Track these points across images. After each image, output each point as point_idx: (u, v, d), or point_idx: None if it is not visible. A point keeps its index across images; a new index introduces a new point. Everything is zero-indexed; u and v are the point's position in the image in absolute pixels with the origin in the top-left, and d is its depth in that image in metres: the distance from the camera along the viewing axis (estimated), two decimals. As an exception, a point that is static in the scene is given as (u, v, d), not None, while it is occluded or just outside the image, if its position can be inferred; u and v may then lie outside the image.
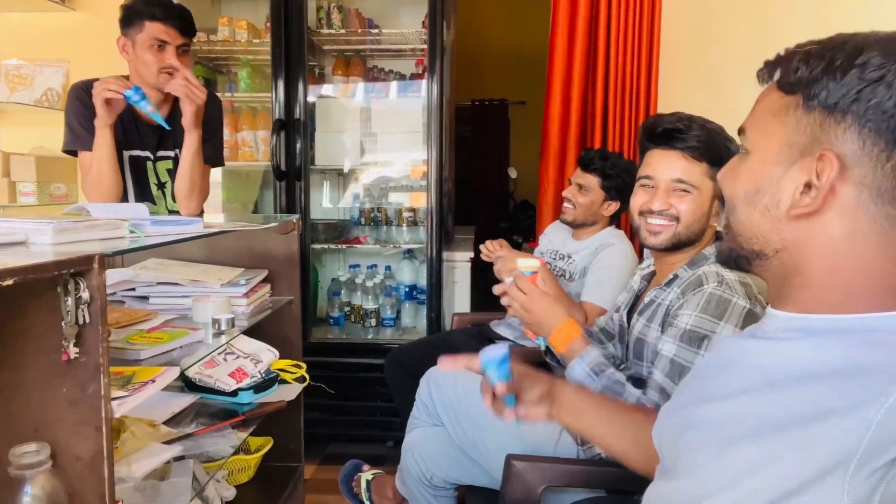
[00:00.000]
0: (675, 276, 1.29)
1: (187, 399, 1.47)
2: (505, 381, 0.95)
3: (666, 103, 2.45)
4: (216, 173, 2.41)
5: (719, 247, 0.77)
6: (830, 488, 0.55)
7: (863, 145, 0.60)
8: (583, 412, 1.00)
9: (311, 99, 2.66)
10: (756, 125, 0.69)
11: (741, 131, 0.72)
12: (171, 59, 1.73)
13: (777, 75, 0.68)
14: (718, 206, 1.26)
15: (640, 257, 2.19)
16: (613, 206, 2.10)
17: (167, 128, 1.74)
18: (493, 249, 1.92)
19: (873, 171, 0.60)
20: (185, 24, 1.75)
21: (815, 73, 0.62)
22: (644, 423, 0.94)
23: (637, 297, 1.46)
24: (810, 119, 0.63)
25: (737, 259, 0.73)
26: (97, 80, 1.75)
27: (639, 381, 1.36)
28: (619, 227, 2.26)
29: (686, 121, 1.29)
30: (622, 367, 1.48)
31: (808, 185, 0.63)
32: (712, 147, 1.26)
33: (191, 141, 1.76)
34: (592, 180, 2.07)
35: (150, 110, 1.67)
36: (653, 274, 1.42)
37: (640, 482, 1.18)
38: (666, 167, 1.29)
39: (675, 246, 1.31)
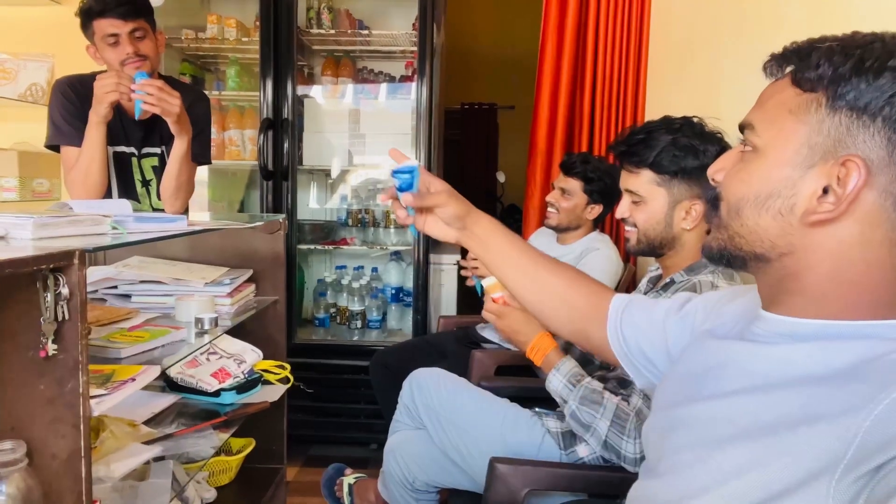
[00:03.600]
0: (672, 281, 1.30)
1: (168, 399, 1.46)
2: (410, 192, 0.94)
3: (653, 108, 2.47)
4: (202, 172, 2.39)
5: (707, 242, 0.73)
6: (816, 492, 0.55)
7: (892, 151, 0.57)
8: (490, 247, 0.98)
9: (299, 97, 2.65)
10: (770, 121, 0.65)
11: (747, 126, 0.68)
12: (126, 48, 1.69)
13: (788, 69, 0.65)
14: (704, 208, 1.27)
15: (625, 262, 2.20)
16: (597, 210, 2.11)
17: (135, 118, 1.71)
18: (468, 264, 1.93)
19: None
20: (126, 10, 1.69)
21: (841, 72, 0.58)
22: (558, 284, 0.95)
23: None
24: (835, 120, 0.59)
25: (729, 258, 0.70)
26: (82, 75, 1.74)
27: (625, 382, 1.37)
28: (603, 230, 2.27)
29: (625, 133, 1.35)
30: (612, 369, 1.49)
31: (825, 190, 0.60)
32: (642, 151, 1.29)
33: (179, 145, 1.74)
34: (575, 184, 2.09)
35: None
36: (659, 277, 1.43)
37: (623, 485, 1.18)
38: (623, 180, 1.37)
39: (649, 251, 1.35)
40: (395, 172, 0.97)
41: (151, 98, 1.63)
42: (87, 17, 1.68)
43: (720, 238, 0.70)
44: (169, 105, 1.65)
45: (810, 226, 0.62)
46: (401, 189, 0.97)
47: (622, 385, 1.38)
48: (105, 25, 1.68)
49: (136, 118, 1.71)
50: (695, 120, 1.30)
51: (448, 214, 0.96)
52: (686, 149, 1.26)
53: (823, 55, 0.60)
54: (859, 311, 0.61)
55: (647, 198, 1.31)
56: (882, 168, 0.57)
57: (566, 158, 2.16)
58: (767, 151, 0.64)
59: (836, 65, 0.59)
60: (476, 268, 1.85)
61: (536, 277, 0.96)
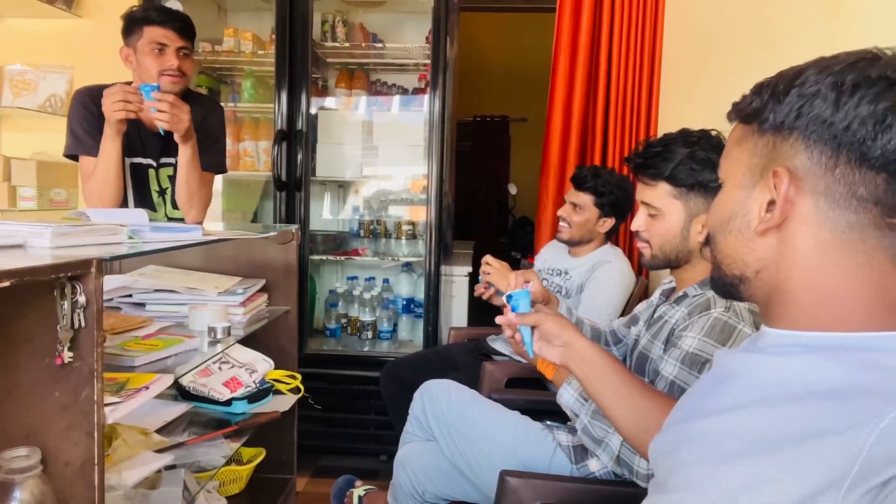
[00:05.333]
0: (685, 294, 1.29)
1: (180, 407, 1.47)
2: (522, 312, 1.12)
3: (666, 120, 2.47)
4: (217, 181, 2.42)
5: (712, 276, 0.80)
6: None
7: (811, 156, 0.63)
8: (593, 365, 1.08)
9: (313, 111, 2.68)
10: (726, 156, 0.75)
11: (717, 166, 0.77)
12: (171, 61, 1.74)
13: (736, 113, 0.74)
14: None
15: (638, 274, 2.19)
16: (609, 223, 2.11)
17: (161, 133, 1.74)
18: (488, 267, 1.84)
19: (824, 178, 0.63)
20: (183, 27, 1.76)
21: (763, 101, 0.68)
22: (651, 409, 1.04)
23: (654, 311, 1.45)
24: (764, 141, 0.68)
25: (726, 287, 0.75)
26: (102, 86, 1.76)
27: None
28: (616, 242, 2.26)
29: (642, 146, 1.34)
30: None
31: (771, 203, 0.66)
32: (658, 164, 1.28)
33: (183, 152, 1.76)
34: (586, 198, 2.08)
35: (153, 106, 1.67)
36: (672, 290, 1.42)
37: (635, 501, 1.17)
38: (639, 193, 1.35)
39: (665, 264, 1.34)
40: (508, 296, 1.15)
41: (164, 115, 1.66)
42: (141, 22, 1.73)
43: (713, 270, 0.78)
44: (179, 121, 1.69)
45: (763, 235, 0.68)
46: (512, 309, 1.13)
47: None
48: (158, 34, 1.72)
49: (162, 132, 1.74)
50: (712, 133, 1.29)
51: (547, 330, 1.10)
52: (703, 162, 1.25)
53: (754, 92, 0.70)
54: (855, 322, 0.64)
55: (664, 211, 1.30)
56: (807, 173, 0.64)
57: (577, 172, 2.16)
58: (726, 181, 0.74)
59: (761, 96, 0.68)
60: (488, 272, 1.79)
61: (632, 402, 1.06)
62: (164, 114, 1.66)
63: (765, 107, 0.67)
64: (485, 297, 1.81)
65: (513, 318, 1.12)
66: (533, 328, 1.12)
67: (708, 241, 0.79)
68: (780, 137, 0.66)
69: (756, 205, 0.68)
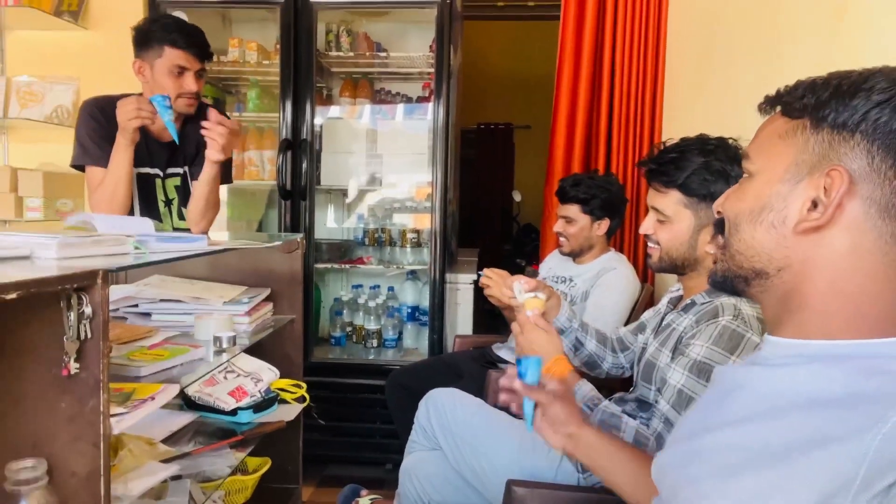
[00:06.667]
0: (693, 302, 1.28)
1: (186, 417, 1.46)
2: (529, 384, 1.02)
3: (670, 126, 2.47)
4: (222, 191, 2.42)
5: (712, 270, 0.77)
6: None
7: (871, 161, 0.62)
8: (601, 455, 1.02)
9: (318, 120, 2.69)
10: (761, 148, 0.71)
11: (744, 157, 0.73)
12: (191, 84, 1.76)
13: (780, 105, 0.70)
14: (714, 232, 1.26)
15: (643, 281, 2.18)
16: (604, 224, 2.10)
17: (177, 142, 1.76)
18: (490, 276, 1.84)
19: (881, 186, 0.62)
20: (203, 50, 1.78)
21: (822, 98, 0.64)
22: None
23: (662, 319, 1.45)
24: (819, 138, 0.65)
25: (732, 281, 0.73)
26: (110, 96, 1.78)
27: (644, 404, 1.35)
28: (620, 249, 2.25)
29: (656, 152, 1.33)
30: (632, 390, 1.47)
31: (814, 203, 0.64)
32: (672, 172, 1.27)
33: (211, 169, 1.78)
34: (573, 209, 2.09)
35: (172, 119, 1.70)
36: (680, 298, 1.41)
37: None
38: (650, 197, 1.35)
39: (670, 269, 1.33)
40: (518, 361, 1.05)
41: (221, 140, 1.70)
42: (161, 41, 1.73)
43: (724, 260, 0.75)
44: (232, 147, 1.75)
45: (802, 234, 0.66)
46: (520, 376, 1.03)
47: (641, 408, 1.36)
48: (180, 56, 1.74)
49: (177, 142, 1.77)
50: (730, 142, 1.27)
51: (553, 415, 1.01)
52: (718, 173, 1.23)
53: (808, 88, 0.67)
54: (862, 330, 0.63)
55: (673, 218, 1.29)
56: (864, 177, 0.62)
57: (558, 186, 2.16)
58: (760, 173, 0.71)
59: (818, 93, 0.65)
60: (489, 286, 1.77)
61: (639, 478, 0.98)
62: (222, 138, 1.70)
63: (824, 104, 0.64)
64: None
65: (519, 388, 1.03)
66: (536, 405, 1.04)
67: (722, 230, 0.75)
68: (841, 137, 0.63)
69: (798, 201, 0.66)
